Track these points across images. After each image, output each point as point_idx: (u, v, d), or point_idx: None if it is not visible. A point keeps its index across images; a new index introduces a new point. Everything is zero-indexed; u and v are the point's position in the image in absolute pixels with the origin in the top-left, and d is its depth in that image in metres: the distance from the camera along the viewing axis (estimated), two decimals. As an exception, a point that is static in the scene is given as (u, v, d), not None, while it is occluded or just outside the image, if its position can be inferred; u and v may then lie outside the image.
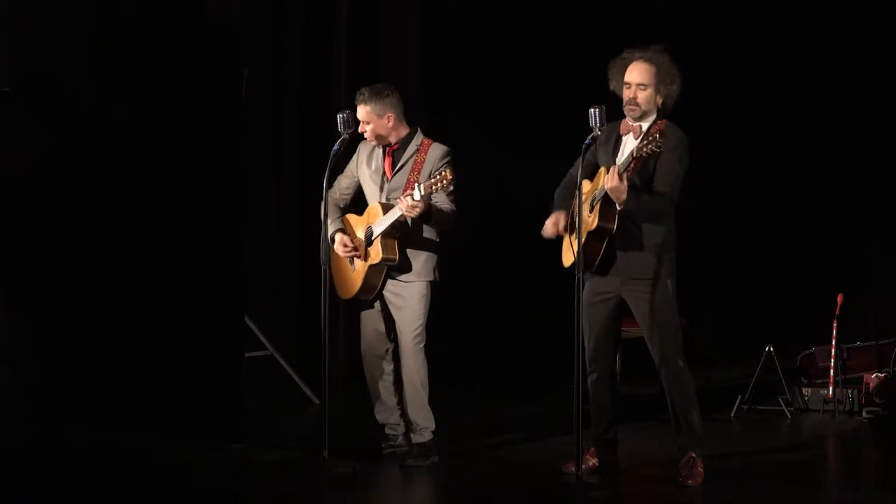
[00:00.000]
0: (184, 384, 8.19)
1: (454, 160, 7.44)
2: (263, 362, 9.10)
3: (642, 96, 7.08)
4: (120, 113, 8.32)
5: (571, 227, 7.18)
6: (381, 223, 7.40)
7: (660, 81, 7.09)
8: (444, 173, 7.15)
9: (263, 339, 9.12)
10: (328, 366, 7.48)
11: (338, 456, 7.37)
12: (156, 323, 8.26)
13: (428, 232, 7.48)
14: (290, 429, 8.39)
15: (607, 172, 6.99)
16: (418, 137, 7.51)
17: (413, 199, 7.18)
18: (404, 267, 7.45)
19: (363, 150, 7.64)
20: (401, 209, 7.24)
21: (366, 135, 7.49)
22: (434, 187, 7.15)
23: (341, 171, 7.73)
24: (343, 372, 9.56)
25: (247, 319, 8.79)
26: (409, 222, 7.40)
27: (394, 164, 7.49)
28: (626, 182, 6.86)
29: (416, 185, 7.24)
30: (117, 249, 8.29)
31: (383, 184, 7.51)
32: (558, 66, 10.19)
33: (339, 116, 7.47)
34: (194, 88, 8.26)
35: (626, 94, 7.11)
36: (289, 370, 9.21)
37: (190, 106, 8.26)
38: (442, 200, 7.36)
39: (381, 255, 7.40)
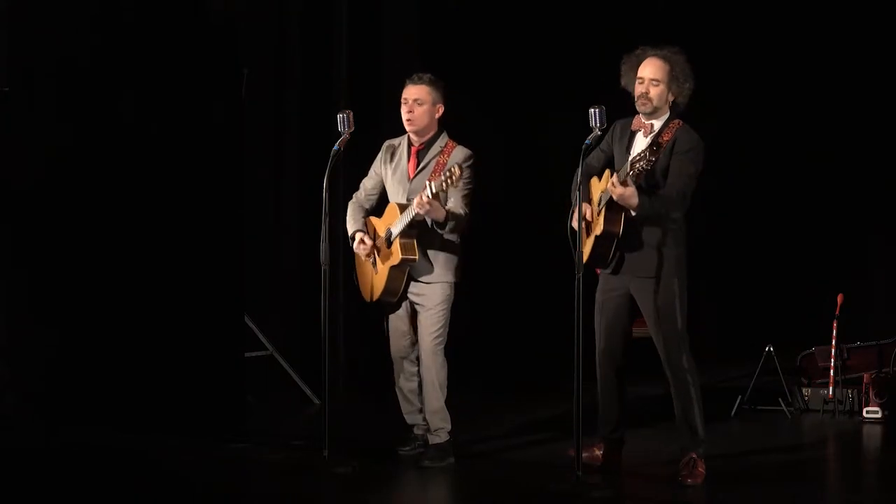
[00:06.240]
0: (184, 384, 8.19)
1: (476, 164, 7.40)
2: (263, 362, 9.09)
3: (654, 92, 7.09)
4: (120, 113, 8.32)
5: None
6: (398, 223, 7.37)
7: (672, 80, 7.09)
8: (453, 170, 7.09)
9: (263, 339, 9.11)
10: (328, 366, 7.48)
11: (338, 456, 7.36)
12: (156, 323, 8.26)
13: (447, 233, 7.43)
14: (290, 429, 8.39)
15: (612, 175, 6.98)
16: (443, 139, 7.47)
17: (425, 196, 7.15)
18: (425, 268, 7.41)
19: (387, 149, 7.60)
20: (415, 207, 7.21)
21: (410, 116, 7.40)
22: (444, 184, 7.11)
23: (342, 171, 7.71)
24: (343, 372, 9.57)
25: (247, 319, 8.80)
26: (429, 222, 7.36)
27: (417, 165, 7.46)
28: (632, 187, 6.86)
29: (428, 182, 7.22)
30: (117, 249, 8.29)
31: (405, 184, 7.47)
32: (559, 65, 10.19)
33: (339, 116, 7.44)
34: (194, 88, 8.26)
35: (639, 88, 7.11)
36: (289, 370, 9.20)
37: (190, 106, 8.26)
38: (456, 204, 7.33)
39: (400, 256, 7.36)
